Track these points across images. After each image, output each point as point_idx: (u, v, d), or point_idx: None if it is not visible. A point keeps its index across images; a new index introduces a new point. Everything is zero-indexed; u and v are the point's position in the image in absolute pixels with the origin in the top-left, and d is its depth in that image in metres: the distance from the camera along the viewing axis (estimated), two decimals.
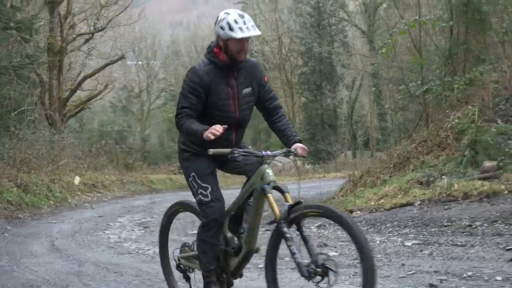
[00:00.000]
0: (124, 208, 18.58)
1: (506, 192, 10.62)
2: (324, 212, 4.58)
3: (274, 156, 5.05)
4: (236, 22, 4.91)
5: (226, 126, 4.89)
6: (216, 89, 5.08)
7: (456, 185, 11.38)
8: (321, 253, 4.54)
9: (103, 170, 29.78)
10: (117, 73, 41.21)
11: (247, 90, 5.25)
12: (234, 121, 5.20)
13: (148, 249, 10.29)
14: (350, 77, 46.49)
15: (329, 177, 30.66)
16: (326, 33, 47.00)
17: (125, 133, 42.56)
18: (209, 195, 5.18)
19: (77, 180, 23.01)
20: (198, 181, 5.24)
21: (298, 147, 5.16)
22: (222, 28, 4.97)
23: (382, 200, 12.62)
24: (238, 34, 4.89)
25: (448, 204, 10.94)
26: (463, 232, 8.95)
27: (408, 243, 8.74)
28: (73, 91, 31.26)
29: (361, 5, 43.23)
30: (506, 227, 8.77)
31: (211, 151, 4.86)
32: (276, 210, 4.75)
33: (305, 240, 4.60)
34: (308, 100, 47.54)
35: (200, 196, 5.23)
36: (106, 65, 33.22)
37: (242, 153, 4.97)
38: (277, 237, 4.85)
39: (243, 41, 4.99)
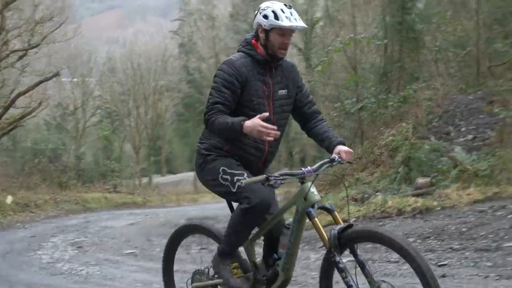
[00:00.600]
0: (57, 228, 18.15)
1: (439, 208, 10.73)
2: (379, 238, 4.03)
3: (317, 171, 4.38)
4: (283, 11, 4.43)
5: (267, 114, 4.29)
6: (252, 85, 4.54)
7: (390, 202, 11.46)
8: (383, 281, 4.08)
9: (36, 189, 29.11)
10: (51, 90, 40.37)
11: (282, 92, 4.69)
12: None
13: (81, 270, 10.06)
14: None
15: None
16: None
17: (59, 151, 41.66)
18: (248, 179, 4.39)
19: (9, 199, 22.44)
20: (231, 171, 4.56)
21: (341, 151, 4.52)
22: (265, 16, 4.46)
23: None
24: (285, 23, 4.39)
25: (383, 220, 11.00)
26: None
27: (343, 260, 8.69)
28: (6, 109, 30.47)
29: None
30: (439, 243, 8.83)
31: (243, 182, 4.24)
32: (325, 237, 4.20)
33: (361, 265, 4.10)
34: None
35: (237, 183, 4.49)
36: (41, 82, 32.48)
37: (279, 178, 4.20)
38: (329, 267, 4.32)
39: (287, 34, 4.50)
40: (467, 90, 16.08)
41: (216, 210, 19.18)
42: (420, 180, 12.05)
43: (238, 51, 4.71)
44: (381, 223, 10.86)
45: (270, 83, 4.61)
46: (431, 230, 9.53)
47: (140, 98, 46.99)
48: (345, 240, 4.11)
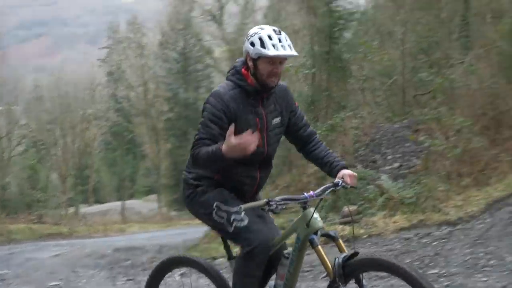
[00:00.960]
0: None
1: (366, 236, 10.75)
2: (387, 266, 3.80)
3: (321, 196, 4.14)
4: (270, 38, 4.09)
5: (256, 135, 3.93)
6: (243, 119, 4.19)
7: None
8: None
9: None
10: None
11: (276, 120, 4.38)
12: (261, 158, 4.36)
13: None
14: None
15: (195, 223, 30.33)
16: (193, 79, 47.20)
17: None
18: (245, 217, 4.20)
19: None
20: (226, 208, 4.25)
21: (345, 175, 4.28)
22: (252, 44, 4.14)
23: None
24: (270, 52, 4.05)
25: (309, 249, 10.93)
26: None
27: None
28: None
29: (227, 51, 43.70)
30: None
31: (242, 207, 3.87)
32: (329, 266, 3.94)
33: None
34: (173, 146, 47.30)
35: (234, 223, 4.22)
36: None
37: (280, 202, 3.94)
38: None
39: (276, 62, 4.15)
40: (393, 118, 16.33)
41: (143, 240, 18.86)
42: (347, 208, 12.08)
43: (227, 79, 4.37)
44: (307, 252, 10.78)
45: (263, 113, 4.29)
46: None
47: (68, 126, 46.24)
48: (351, 269, 3.87)
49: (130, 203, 44.81)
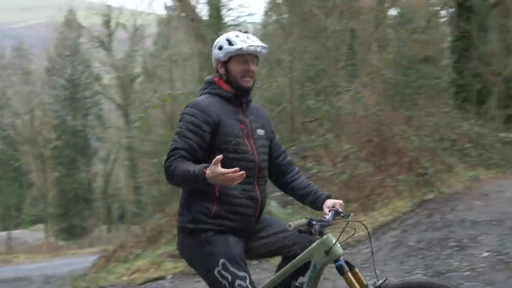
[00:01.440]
0: None
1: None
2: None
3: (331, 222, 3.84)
4: (237, 36, 3.94)
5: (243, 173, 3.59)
6: (227, 124, 3.88)
7: None
8: None
9: None
10: None
11: (260, 131, 4.07)
12: (254, 168, 3.93)
13: None
14: (105, 150, 46.03)
15: (83, 253, 29.70)
16: (81, 106, 46.48)
17: None
18: (250, 286, 3.77)
19: None
20: (232, 269, 3.76)
21: (336, 203, 4.01)
22: (220, 47, 3.96)
23: (134, 275, 12.30)
24: (240, 45, 3.87)
25: (199, 276, 10.89)
26: None
27: None
28: None
29: (116, 78, 43.30)
30: None
31: (292, 224, 3.61)
32: None
33: None
34: (61, 174, 46.19)
35: None
36: None
37: (321, 223, 3.70)
38: None
39: (248, 60, 3.93)
40: (282, 145, 16.55)
41: (30, 270, 18.28)
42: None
43: (200, 95, 4.07)
44: (198, 279, 10.71)
45: (246, 121, 3.99)
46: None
47: None
48: None
49: (16, 233, 43.26)
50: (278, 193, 13.37)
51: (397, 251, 9.48)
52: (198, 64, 19.52)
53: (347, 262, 3.73)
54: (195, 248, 3.91)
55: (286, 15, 23.95)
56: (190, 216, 3.91)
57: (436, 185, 14.85)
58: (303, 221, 3.65)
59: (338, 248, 3.74)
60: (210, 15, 19.56)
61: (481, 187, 15.04)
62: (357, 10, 22.70)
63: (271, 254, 4.15)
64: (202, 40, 20.02)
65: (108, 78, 47.63)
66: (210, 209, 3.86)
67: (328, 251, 3.72)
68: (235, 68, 3.94)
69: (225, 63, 3.97)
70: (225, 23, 18.55)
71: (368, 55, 21.19)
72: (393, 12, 28.36)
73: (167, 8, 26.78)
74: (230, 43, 3.91)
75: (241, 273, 3.76)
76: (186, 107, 3.94)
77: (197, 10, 22.03)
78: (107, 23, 42.11)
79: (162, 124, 20.54)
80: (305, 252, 3.83)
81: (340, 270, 3.70)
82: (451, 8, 23.66)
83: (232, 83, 3.97)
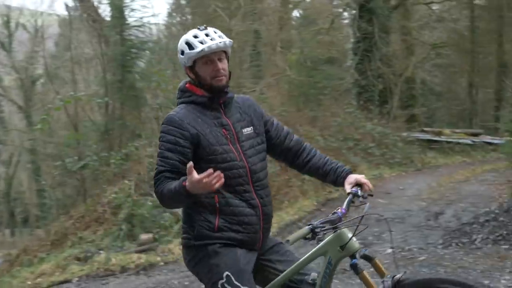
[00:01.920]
0: None
1: (162, 263, 10.75)
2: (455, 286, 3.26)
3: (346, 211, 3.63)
4: (196, 37, 3.64)
5: (220, 173, 3.32)
6: (208, 133, 3.64)
7: (113, 259, 11.23)
8: None
9: None
10: None
11: (247, 130, 3.80)
12: (245, 174, 3.70)
13: None
14: (7, 153, 44.80)
15: None
16: None
17: None
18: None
19: None
20: (236, 283, 3.60)
21: (361, 182, 3.83)
22: (182, 52, 3.68)
23: (39, 279, 12.00)
24: (199, 47, 3.59)
25: (106, 278, 10.72)
26: None
27: None
28: None
29: (17, 80, 42.17)
30: None
31: (291, 238, 3.39)
32: None
33: None
34: None
35: None
36: None
37: (326, 228, 3.47)
38: None
39: (213, 59, 3.66)
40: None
41: None
42: (143, 236, 12.02)
43: (177, 105, 3.82)
44: (104, 281, 10.58)
45: (229, 123, 3.75)
46: (154, 286, 9.45)
47: None
48: None
49: None
50: None
51: (303, 250, 9.55)
52: (101, 65, 19.16)
53: (365, 255, 3.53)
54: (201, 260, 3.73)
55: (190, 16, 23.86)
56: (193, 233, 3.73)
57: None
58: (305, 230, 3.43)
59: (354, 243, 3.54)
60: (113, 16, 19.23)
61: (385, 186, 15.41)
62: (261, 11, 22.86)
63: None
64: (105, 41, 19.71)
65: (8, 80, 46.33)
66: (213, 223, 3.68)
67: (344, 246, 3.52)
68: (203, 70, 3.70)
69: (191, 68, 3.73)
70: (128, 23, 18.30)
71: (273, 56, 21.35)
72: (296, 13, 28.72)
73: (68, 8, 26.16)
74: (190, 46, 3.65)
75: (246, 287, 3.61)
76: (162, 123, 3.71)
77: (99, 11, 21.73)
78: (6, 24, 40.98)
79: (65, 126, 20.09)
80: (319, 246, 3.63)
81: (355, 269, 3.51)
82: (353, 10, 24.10)
83: (205, 86, 3.72)
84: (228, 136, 3.70)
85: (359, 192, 3.74)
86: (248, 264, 3.70)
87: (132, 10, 18.87)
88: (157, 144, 12.84)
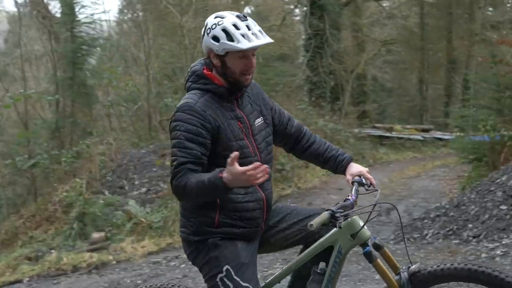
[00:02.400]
0: None
1: (114, 262, 10.67)
2: (472, 274, 3.26)
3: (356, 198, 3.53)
4: (236, 27, 3.33)
5: (265, 167, 3.17)
6: (226, 127, 3.44)
7: (65, 259, 11.11)
8: None
9: None
10: None
11: (259, 121, 3.62)
12: None
13: None
14: None
15: None
16: None
17: None
18: None
19: None
20: (236, 277, 3.47)
21: (362, 174, 3.71)
22: (215, 38, 3.37)
23: None
24: (242, 44, 3.31)
25: (58, 278, 10.60)
26: None
27: None
28: None
29: None
30: None
31: (313, 224, 3.18)
32: (394, 282, 3.38)
33: None
34: None
35: None
36: None
37: (345, 213, 3.32)
38: None
39: (249, 55, 3.42)
40: (140, 144, 16.43)
41: None
42: (95, 235, 11.92)
43: (189, 89, 3.56)
44: (56, 281, 10.47)
45: (244, 116, 3.53)
46: (107, 285, 9.39)
47: None
48: (421, 283, 3.37)
49: None
50: (136, 192, 13.28)
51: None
52: (51, 62, 18.91)
53: (375, 244, 3.42)
54: (200, 253, 3.59)
55: (141, 13, 23.72)
56: (193, 228, 3.58)
57: (294, 180, 15.21)
58: (325, 215, 3.24)
59: (366, 231, 3.42)
60: (63, 13, 19.01)
61: (337, 182, 15.55)
62: (212, 8, 22.81)
63: (294, 244, 3.74)
64: (55, 38, 19.47)
65: None
66: (213, 219, 3.52)
67: (355, 235, 3.40)
68: (235, 64, 3.42)
69: (220, 56, 3.43)
70: (78, 20, 18.12)
71: None
72: (248, 10, 28.75)
73: (17, 5, 25.73)
74: (229, 36, 3.34)
75: (245, 284, 3.46)
76: (178, 111, 3.43)
77: (49, 8, 21.47)
78: None
79: (15, 124, 19.78)
80: (328, 235, 3.49)
81: (369, 257, 3.39)
82: (305, 7, 24.23)
83: (229, 78, 3.46)
84: (244, 130, 3.51)
85: (364, 181, 3.66)
86: (250, 256, 3.57)
87: (83, 6, 18.72)
88: (108, 142, 12.56)
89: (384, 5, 31.87)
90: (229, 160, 3.14)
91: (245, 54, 3.39)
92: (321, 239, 3.49)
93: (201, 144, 3.35)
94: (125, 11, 28.82)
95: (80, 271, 10.64)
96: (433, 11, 33.17)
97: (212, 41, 3.38)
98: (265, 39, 3.38)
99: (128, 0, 27.55)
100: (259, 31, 3.38)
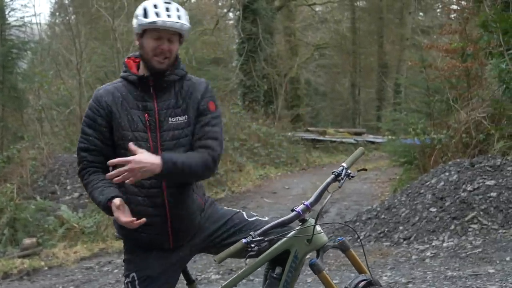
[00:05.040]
0: None
1: (46, 268, 10.53)
2: None
3: (317, 203, 3.34)
4: (155, 6, 3.31)
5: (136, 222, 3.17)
6: (123, 115, 3.36)
7: None
8: None
9: None
10: None
11: (178, 119, 3.40)
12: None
13: None
14: None
15: None
16: None
17: None
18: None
19: None
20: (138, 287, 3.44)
21: None
22: (136, 16, 3.36)
23: None
24: (151, 18, 3.27)
25: None
26: None
27: None
28: None
29: None
30: None
31: (217, 257, 3.06)
32: None
33: None
34: None
35: None
36: None
37: (263, 240, 3.09)
38: None
39: (163, 37, 3.33)
40: (72, 148, 16.23)
41: None
42: (27, 241, 11.74)
43: None
44: None
45: (155, 109, 3.38)
46: None
47: None
48: None
49: None
50: (69, 197, 13.12)
51: None
52: None
53: (342, 243, 3.34)
54: (123, 250, 3.60)
55: (73, 16, 23.43)
56: (116, 225, 3.54)
57: (228, 184, 15.26)
58: (239, 245, 3.09)
59: (322, 236, 3.31)
60: None
61: (271, 185, 15.70)
62: None
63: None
64: None
65: None
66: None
67: (311, 239, 3.27)
68: (148, 43, 3.36)
69: (140, 36, 3.40)
70: (8, 23, 17.75)
71: None
72: None
73: None
74: (145, 13, 3.31)
75: None
76: None
77: None
78: None
79: None
80: (283, 240, 3.31)
81: (314, 268, 3.27)
82: (238, 11, 24.35)
83: (145, 61, 3.41)
84: (149, 123, 3.37)
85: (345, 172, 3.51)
86: (163, 269, 3.49)
87: (13, 9, 18.34)
88: (40, 146, 12.44)
89: (317, 9, 32.29)
90: (116, 205, 3.19)
91: (159, 35, 3.33)
92: (277, 244, 3.33)
93: (96, 130, 3.38)
94: (57, 14, 28.44)
95: (11, 278, 10.47)
96: (365, 16, 33.78)
97: (134, 20, 3.40)
98: (176, 21, 3.31)
99: (60, 2, 27.20)
100: (178, 16, 3.34)
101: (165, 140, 3.39)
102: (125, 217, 3.18)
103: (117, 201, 3.20)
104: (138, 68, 3.50)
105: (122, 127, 3.37)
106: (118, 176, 3.15)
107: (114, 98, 3.39)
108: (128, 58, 3.56)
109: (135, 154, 3.17)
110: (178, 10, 3.35)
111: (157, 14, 3.28)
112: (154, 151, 3.33)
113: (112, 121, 3.37)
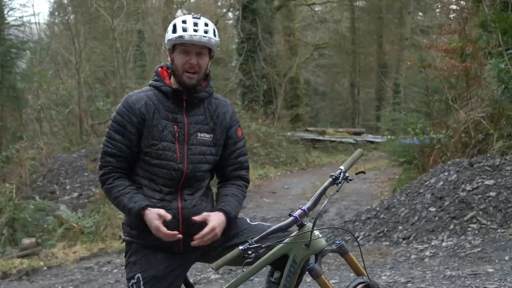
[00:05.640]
0: None
1: (45, 268, 10.51)
2: None
3: (314, 207, 3.33)
4: (184, 22, 3.42)
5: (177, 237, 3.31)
6: (154, 124, 3.43)
7: None
8: None
9: None
10: None
11: (204, 136, 3.51)
12: (178, 177, 3.47)
13: None
14: None
15: None
16: None
17: None
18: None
19: None
20: None
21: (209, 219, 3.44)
22: (166, 33, 3.49)
23: None
24: (178, 33, 3.38)
25: None
26: None
27: None
28: None
29: None
30: None
31: (214, 265, 3.14)
32: None
33: None
34: None
35: None
36: None
37: (260, 247, 3.11)
38: None
39: (191, 51, 3.43)
40: (71, 148, 16.23)
41: None
42: (26, 241, 11.72)
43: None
44: None
45: (184, 122, 3.46)
46: None
47: None
48: None
49: None
50: (68, 197, 13.11)
51: None
52: None
53: (341, 247, 3.32)
54: (127, 254, 3.59)
55: (72, 16, 23.43)
56: (125, 227, 3.61)
57: None
58: (236, 252, 3.12)
59: (321, 240, 3.29)
60: None
61: (270, 185, 15.68)
62: (144, 11, 22.72)
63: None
64: None
65: None
66: (132, 221, 3.51)
67: (309, 244, 3.26)
68: (178, 59, 3.46)
69: (171, 52, 3.51)
70: (7, 23, 17.75)
71: (157, 57, 21.28)
72: (180, 13, 28.72)
73: None
74: (174, 29, 3.43)
75: None
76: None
77: None
78: None
79: None
80: (282, 244, 3.31)
81: (313, 273, 3.26)
82: (237, 10, 24.34)
83: (176, 76, 3.50)
84: (177, 135, 3.45)
85: (342, 176, 3.42)
86: (169, 271, 3.51)
87: (12, 9, 18.34)
88: (39, 146, 12.41)
89: (316, 9, 32.28)
90: (160, 214, 3.33)
91: (187, 50, 3.42)
92: (276, 247, 3.33)
93: (125, 137, 3.44)
94: (56, 13, 28.42)
95: (10, 278, 10.46)
96: (364, 16, 33.76)
97: (166, 34, 3.50)
98: (203, 35, 3.39)
99: (59, 2, 27.18)
100: (205, 30, 3.41)
101: (193, 154, 3.49)
102: (165, 228, 3.32)
103: (161, 211, 3.34)
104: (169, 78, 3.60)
105: (152, 136, 3.44)
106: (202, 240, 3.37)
107: (147, 106, 3.46)
108: (161, 68, 3.62)
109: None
110: (206, 25, 3.43)
111: (184, 29, 3.38)
112: (181, 161, 3.45)
113: (144, 128, 3.44)
